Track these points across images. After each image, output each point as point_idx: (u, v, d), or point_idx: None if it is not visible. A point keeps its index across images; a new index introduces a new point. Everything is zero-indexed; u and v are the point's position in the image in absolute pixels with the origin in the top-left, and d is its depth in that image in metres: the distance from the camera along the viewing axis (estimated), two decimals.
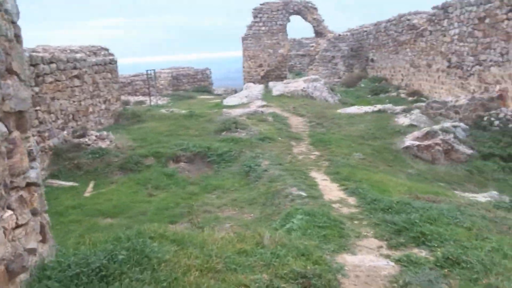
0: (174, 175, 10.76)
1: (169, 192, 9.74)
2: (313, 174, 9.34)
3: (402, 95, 21.97)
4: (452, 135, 12.70)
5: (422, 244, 5.09)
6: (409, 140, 12.40)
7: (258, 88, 21.21)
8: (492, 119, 14.81)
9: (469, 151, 12.43)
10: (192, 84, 31.28)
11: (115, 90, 16.37)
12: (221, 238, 4.70)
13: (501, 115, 14.79)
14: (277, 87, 20.54)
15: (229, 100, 19.73)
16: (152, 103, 21.87)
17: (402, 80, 23.90)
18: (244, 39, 29.43)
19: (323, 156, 10.79)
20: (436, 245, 4.94)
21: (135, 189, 9.97)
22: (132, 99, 24.18)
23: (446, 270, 4.31)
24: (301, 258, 4.46)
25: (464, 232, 5.28)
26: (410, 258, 4.68)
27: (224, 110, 16.55)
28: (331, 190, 8.17)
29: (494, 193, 9.19)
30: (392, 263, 4.73)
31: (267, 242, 4.77)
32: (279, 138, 12.59)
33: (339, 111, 16.01)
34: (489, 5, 15.64)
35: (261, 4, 28.99)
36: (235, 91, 27.17)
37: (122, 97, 19.64)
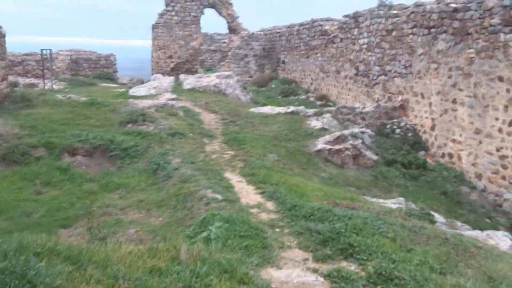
0: (69, 170, 9.49)
1: (62, 189, 8.51)
2: (228, 175, 8.79)
3: (311, 99, 22.44)
4: (360, 141, 13.03)
5: (350, 257, 4.79)
6: (321, 144, 12.44)
7: (168, 80, 20.09)
8: (394, 127, 15.64)
9: (375, 157, 12.86)
10: (94, 70, 28.95)
11: (1, 68, 14.20)
12: (129, 253, 3.90)
13: (402, 124, 15.69)
14: (189, 81, 19.65)
15: (136, 90, 18.37)
16: (46, 87, 19.60)
17: (312, 84, 24.46)
18: (154, 27, 27.87)
19: (238, 156, 10.30)
20: (365, 258, 4.67)
21: (19, 184, 8.55)
22: (22, 80, 21.50)
23: (379, 287, 4.02)
24: (224, 276, 3.86)
25: (390, 243, 5.11)
26: (340, 273, 4.33)
27: (131, 100, 15.28)
28: (247, 193, 7.69)
29: (401, 199, 9.47)
30: (322, 279, 4.34)
31: (184, 256, 4.09)
32: (191, 134, 11.83)
33: (252, 110, 15.68)
34: (396, 19, 16.49)
35: None
36: (142, 82, 25.64)
37: (10, 78, 17.24)
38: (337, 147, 12.40)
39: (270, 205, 7.03)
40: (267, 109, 15.85)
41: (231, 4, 29.02)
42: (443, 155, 14.05)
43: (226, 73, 20.47)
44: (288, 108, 15.66)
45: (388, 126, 15.77)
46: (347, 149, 12.42)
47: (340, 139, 12.64)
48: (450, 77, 13.72)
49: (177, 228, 6.42)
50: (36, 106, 13.55)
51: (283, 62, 28.43)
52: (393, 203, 8.98)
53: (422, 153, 14.58)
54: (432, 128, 14.61)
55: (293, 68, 27.10)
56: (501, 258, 5.26)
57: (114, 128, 11.95)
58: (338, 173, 11.29)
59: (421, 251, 4.89)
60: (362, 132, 13.64)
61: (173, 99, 15.86)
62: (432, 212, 8.41)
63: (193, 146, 10.86)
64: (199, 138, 11.67)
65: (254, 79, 27.79)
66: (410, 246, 5.10)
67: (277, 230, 5.83)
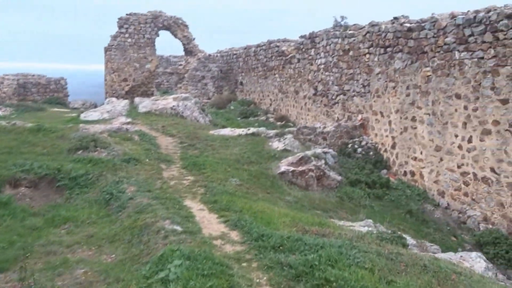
0: (11, 204, 8.52)
1: (1, 226, 7.57)
2: (188, 202, 8.18)
3: (271, 120, 22.24)
4: (323, 161, 12.76)
5: None
6: (284, 166, 12.06)
7: (122, 104, 19.25)
8: (356, 146, 15.57)
9: (339, 178, 12.62)
10: (44, 94, 27.60)
11: None
12: None
13: (363, 143, 15.65)
14: (144, 104, 18.90)
15: (88, 115, 17.43)
16: None
17: (271, 104, 24.30)
18: (107, 49, 27.01)
19: (198, 181, 9.70)
20: None
21: None
22: None
23: None
24: None
25: (368, 275, 4.69)
26: None
27: (82, 125, 14.36)
28: (210, 223, 7.11)
29: (369, 221, 9.18)
30: None
31: None
32: (147, 160, 11.13)
33: (211, 132, 15.16)
34: (353, 38, 16.65)
35: (127, 14, 27.05)
36: (95, 106, 24.64)
37: None
38: (300, 168, 12.06)
39: (234, 235, 6.48)
40: (227, 131, 15.39)
41: (186, 26, 28.72)
42: (405, 173, 14.05)
43: (184, 95, 19.90)
44: (249, 129, 15.27)
45: (350, 145, 15.70)
46: (310, 170, 12.10)
47: (303, 160, 12.32)
48: (408, 95, 13.84)
49: (132, 266, 5.74)
50: None
51: (241, 83, 28.23)
52: (362, 225, 8.67)
53: (384, 171, 14.54)
54: (393, 146, 14.63)
55: (251, 89, 26.91)
56: (482, 285, 4.98)
57: (62, 156, 11.05)
58: (303, 195, 10.91)
59: (403, 283, 4.50)
60: (325, 153, 13.39)
61: (127, 123, 15.08)
62: (403, 235, 8.13)
63: (150, 173, 10.17)
64: (156, 164, 10.98)
65: (212, 101, 27.37)
66: (390, 278, 4.70)
67: (244, 264, 5.29)
